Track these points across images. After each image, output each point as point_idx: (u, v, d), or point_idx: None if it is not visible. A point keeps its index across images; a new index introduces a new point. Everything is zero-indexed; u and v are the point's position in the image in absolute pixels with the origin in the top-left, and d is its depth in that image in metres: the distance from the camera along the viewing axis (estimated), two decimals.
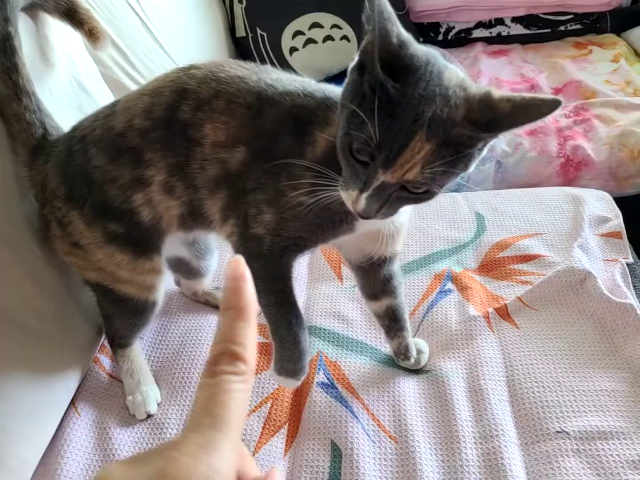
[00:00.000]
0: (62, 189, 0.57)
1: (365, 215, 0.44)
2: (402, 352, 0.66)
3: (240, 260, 0.23)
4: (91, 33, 0.65)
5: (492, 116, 0.40)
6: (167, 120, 0.52)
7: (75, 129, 0.59)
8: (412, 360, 0.66)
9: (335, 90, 0.52)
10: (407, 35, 0.42)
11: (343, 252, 0.64)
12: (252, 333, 0.22)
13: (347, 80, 0.45)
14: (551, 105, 0.40)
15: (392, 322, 0.65)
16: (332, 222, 0.52)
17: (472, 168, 0.44)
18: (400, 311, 0.65)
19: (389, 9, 0.40)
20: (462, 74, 0.44)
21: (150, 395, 0.65)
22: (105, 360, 0.73)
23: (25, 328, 0.59)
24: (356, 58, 0.44)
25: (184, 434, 0.20)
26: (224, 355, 0.22)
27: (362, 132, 0.41)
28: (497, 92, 0.41)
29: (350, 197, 0.45)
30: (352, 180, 0.44)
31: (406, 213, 0.57)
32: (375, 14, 0.39)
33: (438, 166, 0.41)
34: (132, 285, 0.61)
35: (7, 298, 0.57)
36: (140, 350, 0.70)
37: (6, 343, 0.56)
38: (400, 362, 0.67)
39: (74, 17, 0.64)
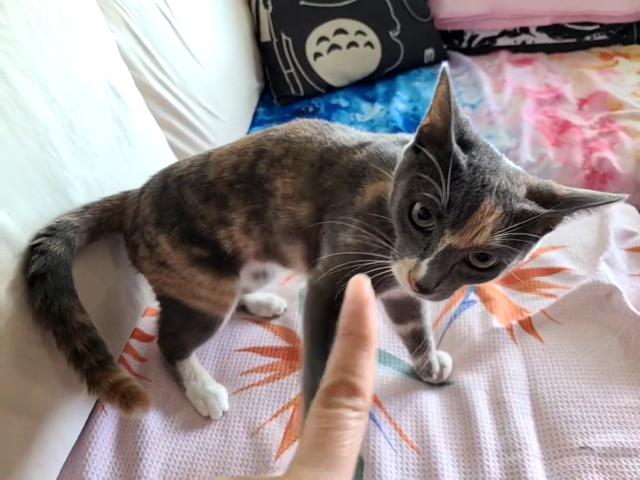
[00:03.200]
0: (153, 216, 0.64)
1: (424, 287, 0.41)
2: (424, 369, 0.67)
3: (365, 281, 0.22)
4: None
5: (552, 198, 0.41)
6: (249, 175, 0.59)
7: (172, 168, 0.67)
8: (435, 376, 0.67)
9: (386, 147, 0.53)
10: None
11: None
12: (372, 365, 0.21)
13: (401, 159, 0.46)
14: (614, 199, 0.40)
15: (416, 343, 0.66)
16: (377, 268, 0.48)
17: (527, 257, 0.44)
18: (425, 334, 0.65)
19: (453, 90, 0.41)
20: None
21: (220, 394, 0.68)
22: (130, 359, 0.74)
23: None
24: (411, 140, 0.45)
25: (294, 466, 0.19)
26: (342, 386, 0.20)
27: (428, 192, 0.40)
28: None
29: (405, 267, 0.42)
30: (409, 248, 0.42)
31: None
32: (447, 94, 0.41)
33: (507, 235, 0.39)
34: (207, 302, 0.65)
35: None
36: (195, 356, 0.72)
37: (34, 341, 0.58)
38: (422, 377, 0.68)
39: None
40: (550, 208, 0.40)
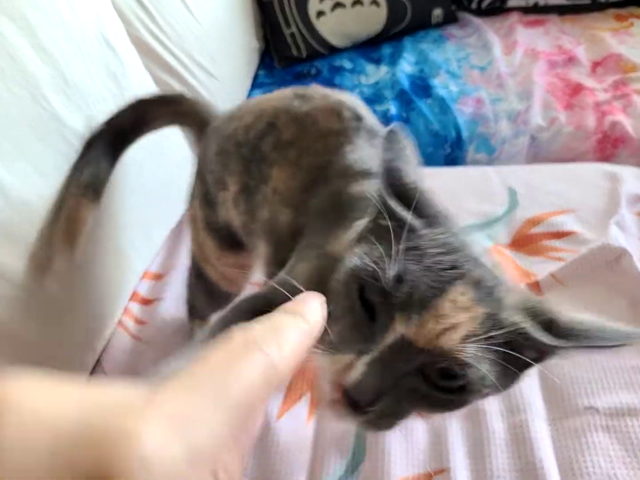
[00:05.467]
0: (198, 166, 0.63)
1: (354, 398, 0.27)
2: None
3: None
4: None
5: (551, 324, 0.30)
6: (254, 146, 0.53)
7: (218, 118, 0.62)
8: None
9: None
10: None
11: None
12: (301, 342, 0.19)
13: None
14: (635, 338, 0.31)
15: None
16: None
17: (511, 386, 0.33)
18: None
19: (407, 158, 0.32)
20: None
21: None
22: (129, 323, 0.74)
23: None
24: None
25: (175, 386, 0.16)
26: (271, 339, 0.18)
27: (370, 264, 0.29)
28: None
29: (333, 366, 0.28)
30: (347, 340, 0.29)
31: None
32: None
33: (486, 348, 0.27)
34: (215, 271, 0.63)
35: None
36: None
37: (34, 301, 0.57)
38: None
39: None
40: (551, 329, 0.29)
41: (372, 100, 1.17)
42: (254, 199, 0.52)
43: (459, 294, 0.28)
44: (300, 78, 1.32)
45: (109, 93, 0.71)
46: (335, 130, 0.48)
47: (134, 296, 0.77)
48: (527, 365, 0.30)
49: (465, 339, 0.27)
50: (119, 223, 0.72)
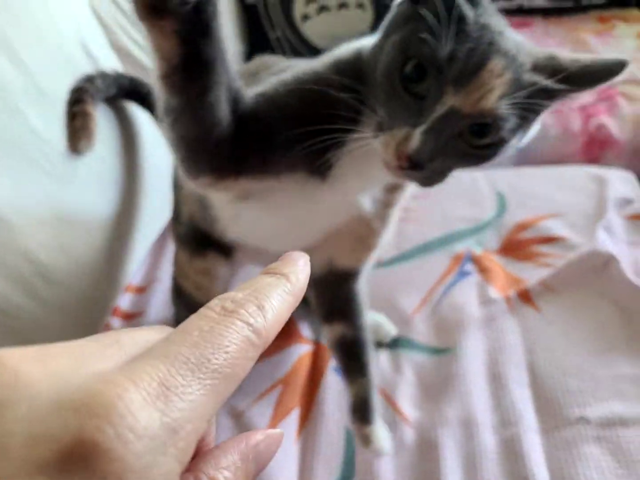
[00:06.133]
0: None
1: (416, 161, 0.34)
2: (357, 408, 0.50)
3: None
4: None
5: (561, 71, 0.36)
6: None
7: None
8: (368, 430, 0.50)
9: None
10: None
11: None
12: (286, 306, 0.19)
13: (392, 12, 0.39)
14: (619, 68, 0.36)
15: (346, 360, 0.53)
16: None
17: (524, 140, 0.39)
18: (358, 347, 0.52)
19: None
20: None
21: None
22: (115, 321, 0.72)
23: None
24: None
25: (156, 356, 0.15)
26: (249, 302, 0.18)
27: (426, 45, 0.33)
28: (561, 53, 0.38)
29: (392, 141, 0.35)
30: (398, 117, 0.35)
31: (394, 219, 0.51)
32: None
33: (514, 104, 0.34)
34: (189, 282, 0.60)
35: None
36: None
37: (13, 321, 0.55)
38: (355, 426, 0.51)
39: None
40: (559, 82, 0.35)
41: None
42: None
43: (496, 65, 0.34)
44: None
45: None
46: (259, 66, 0.54)
47: (115, 311, 0.75)
48: (541, 111, 0.37)
49: (500, 99, 0.34)
50: (99, 236, 0.70)
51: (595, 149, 1.02)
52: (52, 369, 0.14)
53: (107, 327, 0.72)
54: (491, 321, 0.67)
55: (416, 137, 0.34)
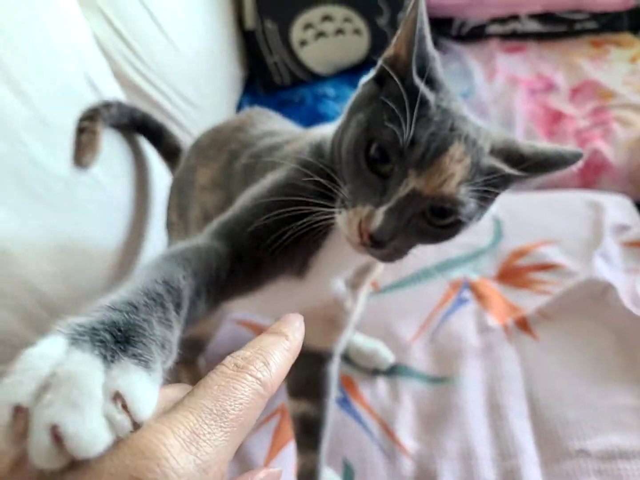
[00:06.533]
0: None
1: (378, 239, 0.35)
2: (304, 475, 0.54)
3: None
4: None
5: (518, 157, 0.37)
6: (186, 168, 0.60)
7: None
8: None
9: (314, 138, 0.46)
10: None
11: None
12: (285, 361, 0.22)
13: (358, 92, 0.41)
14: (574, 158, 0.37)
15: (303, 434, 0.54)
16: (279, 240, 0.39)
17: (482, 218, 0.40)
18: (319, 428, 0.53)
19: (426, 19, 0.37)
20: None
21: None
22: None
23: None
24: (372, 71, 0.41)
25: (178, 408, 0.19)
26: (256, 359, 0.21)
27: (389, 127, 0.35)
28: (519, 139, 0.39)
29: (355, 218, 0.36)
30: (362, 195, 0.36)
31: (363, 299, 0.51)
32: (415, 21, 0.36)
33: (472, 189, 0.35)
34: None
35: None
36: (203, 364, 0.70)
37: (12, 351, 0.55)
38: None
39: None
40: (515, 167, 0.37)
41: None
42: (187, 214, 0.57)
43: (456, 150, 0.35)
44: (284, 105, 1.32)
45: None
46: (245, 121, 0.56)
47: None
48: (498, 194, 0.38)
49: (459, 184, 0.35)
50: (101, 265, 0.70)
51: (591, 173, 1.03)
52: None
53: None
54: (489, 350, 0.67)
55: (379, 216, 0.34)
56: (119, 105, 0.72)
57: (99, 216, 0.70)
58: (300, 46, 1.35)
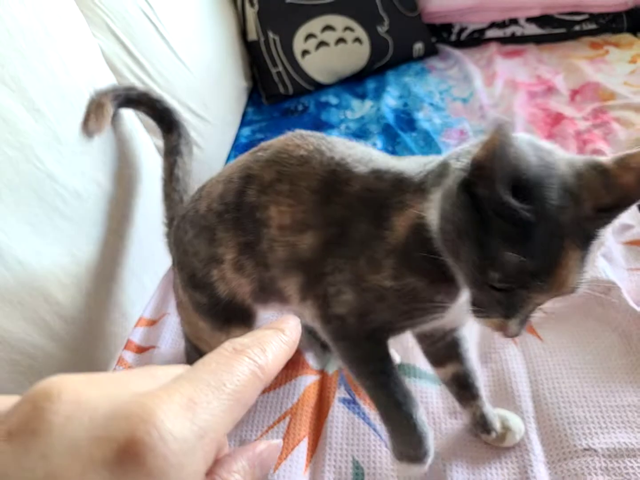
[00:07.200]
0: (173, 254, 0.66)
1: (513, 336, 0.41)
2: (478, 422, 0.59)
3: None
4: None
5: (621, 195, 0.36)
6: (237, 204, 0.54)
7: (183, 208, 0.66)
8: (494, 434, 0.58)
9: (404, 168, 0.48)
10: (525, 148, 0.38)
11: None
12: (284, 353, 0.23)
13: (451, 201, 0.40)
14: None
15: (460, 389, 0.59)
16: (421, 309, 0.46)
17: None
18: (469, 378, 0.59)
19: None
20: (557, 147, 0.40)
21: None
22: (128, 355, 0.75)
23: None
24: (460, 174, 0.39)
25: (178, 380, 0.19)
26: (254, 346, 0.21)
27: (504, 260, 0.36)
28: (605, 159, 0.38)
29: (493, 324, 0.41)
30: (489, 306, 0.40)
31: None
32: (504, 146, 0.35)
33: (587, 266, 0.37)
34: (210, 348, 0.62)
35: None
36: None
37: (29, 361, 0.57)
38: (480, 435, 0.60)
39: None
40: (622, 204, 0.36)
41: (359, 135, 1.19)
42: (260, 249, 0.53)
43: (568, 251, 0.36)
44: (288, 114, 1.34)
45: (102, 147, 0.72)
46: (314, 148, 0.52)
47: (128, 344, 0.77)
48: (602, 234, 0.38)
49: (578, 273, 0.37)
50: (113, 273, 0.73)
51: None
52: (103, 390, 0.18)
53: (122, 361, 0.74)
54: (494, 352, 0.68)
55: (513, 327, 0.40)
56: (140, 92, 0.78)
57: (110, 227, 0.72)
58: (302, 56, 1.37)
